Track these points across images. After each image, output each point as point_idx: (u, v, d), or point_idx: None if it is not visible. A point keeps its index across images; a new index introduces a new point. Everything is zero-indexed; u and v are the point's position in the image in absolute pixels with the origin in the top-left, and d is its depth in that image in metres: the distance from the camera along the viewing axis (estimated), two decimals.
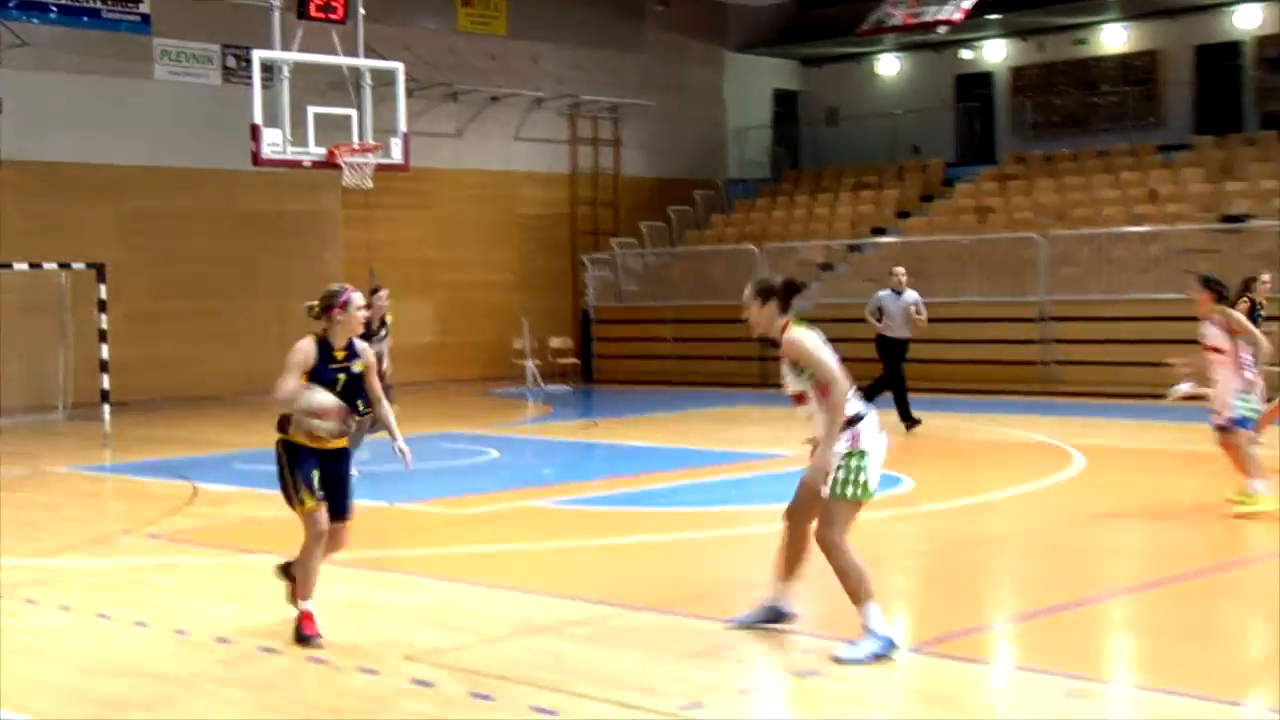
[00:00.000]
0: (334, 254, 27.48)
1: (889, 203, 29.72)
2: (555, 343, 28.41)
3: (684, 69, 32.43)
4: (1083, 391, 22.15)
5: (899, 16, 28.87)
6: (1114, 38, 30.12)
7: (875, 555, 10.52)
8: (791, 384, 7.12)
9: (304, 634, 7.49)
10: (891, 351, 18.24)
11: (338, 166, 19.56)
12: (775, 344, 7.18)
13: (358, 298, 7.75)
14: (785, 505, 7.50)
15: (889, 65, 33.38)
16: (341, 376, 7.63)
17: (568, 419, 21.92)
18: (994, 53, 31.82)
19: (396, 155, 20.53)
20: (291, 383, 7.51)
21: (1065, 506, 12.41)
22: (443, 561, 10.02)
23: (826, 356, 6.99)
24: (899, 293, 18.31)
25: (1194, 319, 11.12)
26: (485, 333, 28.74)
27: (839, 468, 6.97)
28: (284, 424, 7.60)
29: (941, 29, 28.79)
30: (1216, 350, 10.81)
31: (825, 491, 7.01)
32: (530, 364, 26.38)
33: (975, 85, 32.17)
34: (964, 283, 24.66)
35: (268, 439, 7.75)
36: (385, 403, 7.98)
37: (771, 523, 11.47)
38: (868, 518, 11.72)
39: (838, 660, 6.82)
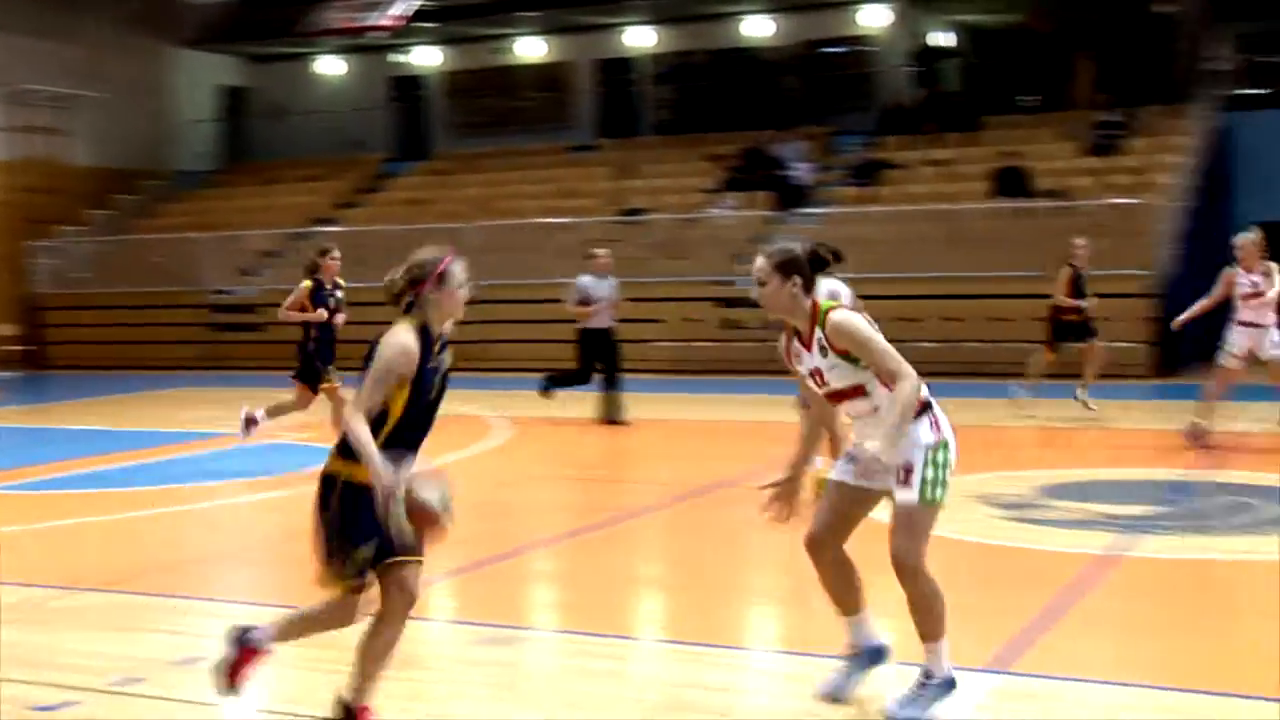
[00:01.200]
0: None
1: (331, 194, 29.34)
2: (0, 330, 26.24)
3: (132, 62, 30.53)
4: (509, 367, 22.64)
5: (338, 20, 28.55)
6: (532, 49, 30.99)
7: (302, 528, 10.36)
8: (839, 378, 5.16)
9: None
10: (597, 343, 15.16)
11: None
12: (798, 332, 5.22)
13: (459, 270, 5.00)
14: (805, 534, 5.37)
15: (332, 65, 32.87)
16: (438, 378, 5.07)
17: (11, 405, 20.25)
18: (428, 58, 31.99)
19: None
20: (364, 419, 4.84)
21: (494, 470, 12.66)
22: None
23: (884, 340, 5.14)
24: (602, 277, 15.27)
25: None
26: None
27: (926, 464, 5.09)
28: (350, 451, 4.93)
29: (377, 34, 28.70)
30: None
31: (910, 498, 5.10)
32: None
33: (411, 87, 32.22)
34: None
35: None
36: None
37: (213, 498, 11.07)
38: (291, 493, 11.54)
39: None
